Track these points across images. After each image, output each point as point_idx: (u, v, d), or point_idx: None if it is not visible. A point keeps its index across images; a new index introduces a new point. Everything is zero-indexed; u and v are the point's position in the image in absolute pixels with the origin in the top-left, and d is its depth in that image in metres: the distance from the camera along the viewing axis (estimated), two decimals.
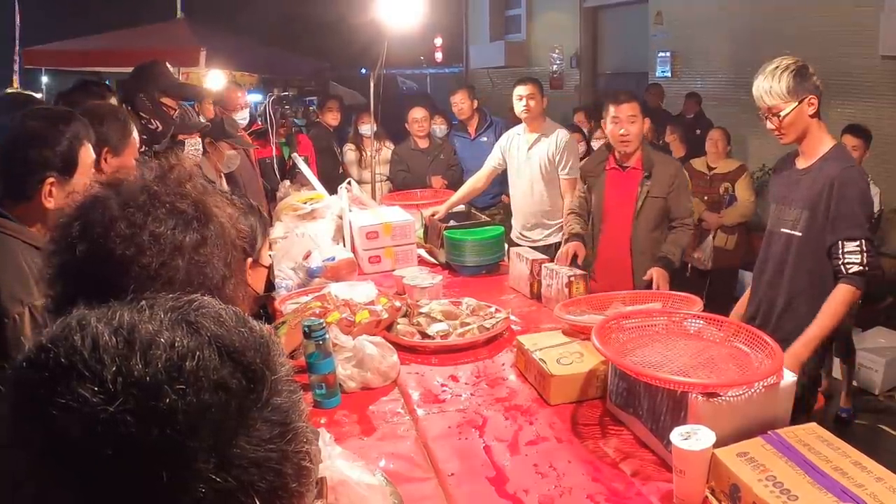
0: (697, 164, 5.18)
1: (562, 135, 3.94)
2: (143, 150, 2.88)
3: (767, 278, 2.50)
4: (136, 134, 2.30)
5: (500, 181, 5.31)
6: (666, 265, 3.03)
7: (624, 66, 9.62)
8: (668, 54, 8.29)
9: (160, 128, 2.91)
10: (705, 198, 5.08)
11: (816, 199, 2.31)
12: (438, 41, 12.06)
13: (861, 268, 2.24)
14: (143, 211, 0.97)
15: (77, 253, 0.95)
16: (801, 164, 2.45)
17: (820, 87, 2.30)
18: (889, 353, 4.25)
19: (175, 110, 2.98)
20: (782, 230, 2.44)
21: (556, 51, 10.08)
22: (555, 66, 10.14)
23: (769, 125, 2.34)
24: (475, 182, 4.19)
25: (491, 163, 4.22)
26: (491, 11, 11.58)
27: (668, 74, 8.26)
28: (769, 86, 2.27)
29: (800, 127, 2.31)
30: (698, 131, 6.12)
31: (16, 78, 8.18)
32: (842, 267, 2.26)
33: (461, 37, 12.57)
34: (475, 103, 5.34)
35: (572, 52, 10.07)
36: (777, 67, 2.27)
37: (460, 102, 5.23)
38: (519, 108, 3.93)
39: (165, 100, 2.93)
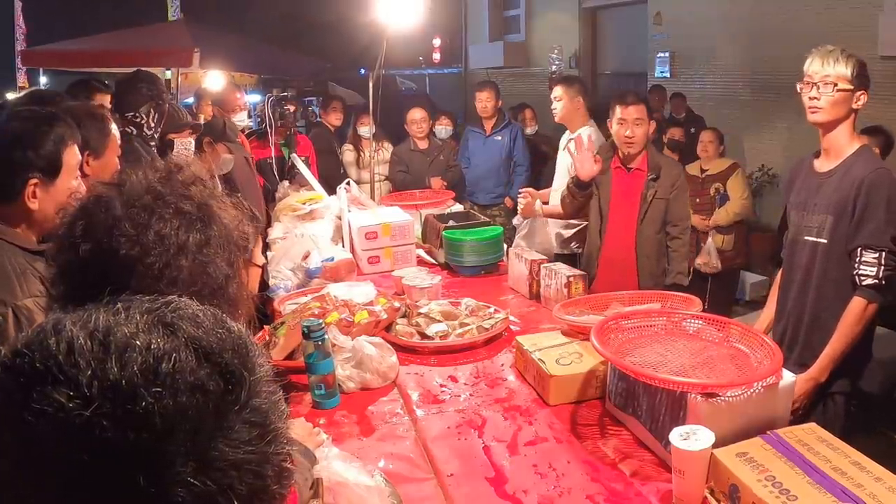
0: (691, 168, 5.11)
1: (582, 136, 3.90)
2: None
3: (794, 292, 2.37)
4: (115, 131, 2.27)
5: (506, 182, 5.33)
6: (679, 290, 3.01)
7: (623, 66, 9.63)
8: (667, 55, 8.29)
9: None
10: (697, 201, 5.02)
11: (843, 203, 2.18)
12: (437, 42, 12.06)
13: (875, 281, 2.14)
14: (148, 211, 0.97)
15: (80, 252, 0.94)
16: (822, 166, 2.31)
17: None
18: (888, 353, 4.25)
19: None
20: (806, 238, 2.31)
21: (556, 51, 10.07)
22: (554, 67, 10.13)
23: (812, 93, 2.18)
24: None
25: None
26: (490, 12, 11.59)
27: (668, 75, 8.26)
28: (836, 58, 2.14)
29: (839, 111, 2.17)
30: (692, 130, 6.10)
31: (22, 77, 8.20)
32: (856, 277, 2.17)
33: (460, 37, 12.57)
34: (500, 102, 5.40)
35: (571, 52, 10.07)
36: (844, 52, 2.16)
37: (486, 100, 5.26)
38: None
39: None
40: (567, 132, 4.07)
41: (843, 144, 2.24)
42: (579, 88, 3.94)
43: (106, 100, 3.02)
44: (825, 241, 2.25)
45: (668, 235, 3.17)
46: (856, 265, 2.18)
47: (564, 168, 3.96)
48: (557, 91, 3.90)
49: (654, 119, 3.23)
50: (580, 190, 3.25)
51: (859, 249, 2.17)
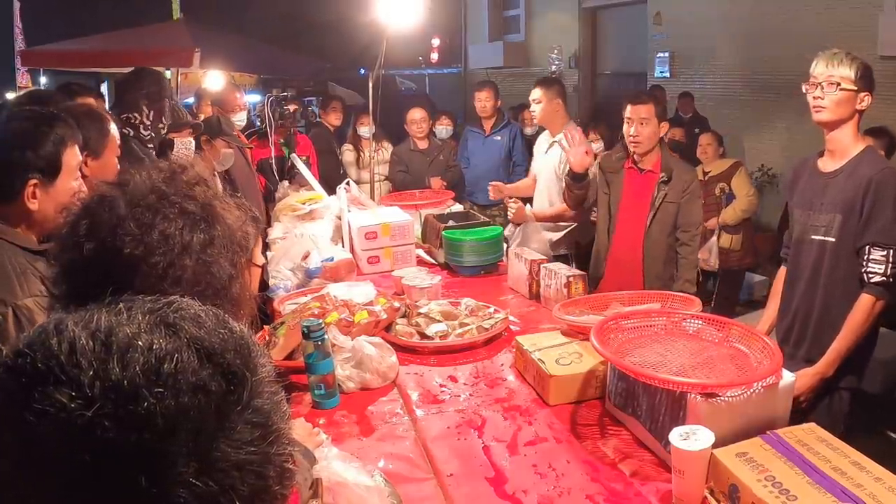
0: None
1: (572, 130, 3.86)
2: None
3: (800, 289, 2.41)
4: (115, 131, 2.27)
5: (506, 182, 5.33)
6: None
7: (623, 66, 9.63)
8: (666, 55, 8.29)
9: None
10: (702, 202, 5.03)
11: (851, 202, 2.24)
12: (435, 42, 12.06)
13: (883, 278, 2.20)
14: (152, 210, 0.97)
15: (84, 251, 0.95)
16: (827, 166, 2.36)
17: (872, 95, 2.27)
18: (888, 353, 4.24)
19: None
20: (813, 237, 2.36)
21: (555, 51, 10.08)
22: (554, 67, 10.13)
23: (817, 93, 2.24)
24: (521, 186, 4.25)
25: (532, 171, 4.25)
26: (490, 12, 11.59)
27: (667, 75, 8.27)
28: (840, 60, 2.22)
29: (843, 112, 2.24)
30: (697, 130, 6.11)
31: (22, 77, 8.20)
32: (864, 274, 2.22)
33: (460, 37, 12.57)
34: (499, 102, 5.40)
35: (571, 52, 10.07)
36: (849, 55, 2.23)
37: (485, 100, 5.26)
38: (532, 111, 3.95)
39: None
40: (545, 134, 4.05)
41: (848, 145, 2.30)
42: (558, 90, 3.91)
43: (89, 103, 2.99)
44: (833, 239, 2.30)
45: (677, 241, 3.13)
46: (864, 263, 2.22)
47: (551, 168, 3.91)
48: (536, 93, 3.87)
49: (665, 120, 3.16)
50: (576, 182, 3.26)
51: (867, 247, 2.22)
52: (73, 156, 1.78)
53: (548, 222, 3.89)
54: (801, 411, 2.21)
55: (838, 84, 2.21)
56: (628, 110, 3.10)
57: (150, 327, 0.54)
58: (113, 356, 0.51)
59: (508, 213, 3.78)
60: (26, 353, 0.52)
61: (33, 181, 1.69)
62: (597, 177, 3.36)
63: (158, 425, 0.49)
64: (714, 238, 5.02)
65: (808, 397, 2.29)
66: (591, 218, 4.84)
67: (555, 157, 3.88)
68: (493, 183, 4.07)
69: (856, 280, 2.26)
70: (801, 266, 2.42)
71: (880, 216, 2.20)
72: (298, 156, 4.63)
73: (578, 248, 3.95)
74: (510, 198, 3.91)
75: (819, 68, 2.25)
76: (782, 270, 2.58)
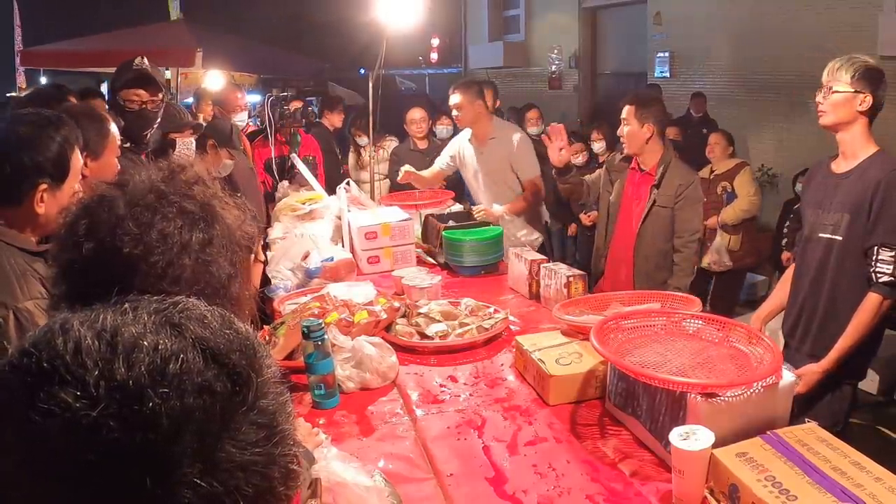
0: (702, 171, 5.13)
1: (516, 137, 3.88)
2: (129, 145, 2.82)
3: (807, 286, 2.47)
4: (115, 130, 2.25)
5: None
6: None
7: (623, 66, 9.63)
8: (666, 54, 8.30)
9: (121, 123, 2.72)
10: (705, 200, 5.03)
11: (859, 202, 2.30)
12: (434, 42, 12.06)
13: (891, 278, 2.23)
14: (151, 210, 0.97)
15: (83, 251, 0.95)
16: (839, 167, 2.42)
17: (884, 97, 2.31)
18: (887, 353, 4.25)
19: (139, 103, 2.79)
20: (821, 235, 2.42)
21: (555, 51, 10.09)
22: (554, 67, 10.15)
23: (819, 98, 2.35)
24: (426, 177, 4.25)
25: (439, 164, 4.25)
26: (490, 11, 11.60)
27: (667, 75, 8.27)
28: (839, 65, 2.30)
29: (841, 113, 2.31)
30: (704, 131, 6.10)
31: (20, 77, 8.19)
32: (872, 274, 2.26)
33: (460, 37, 12.58)
34: (498, 103, 5.41)
35: (571, 52, 10.08)
36: (851, 59, 2.31)
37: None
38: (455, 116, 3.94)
39: (124, 93, 2.79)
40: (466, 135, 4.04)
41: (858, 147, 2.36)
42: (477, 91, 3.89)
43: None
44: (840, 238, 2.36)
45: (673, 248, 3.14)
46: (872, 263, 2.27)
47: (497, 161, 3.91)
48: (455, 98, 3.84)
49: (652, 123, 3.11)
50: (562, 176, 3.32)
51: (876, 248, 2.26)
52: (77, 158, 1.77)
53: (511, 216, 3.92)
54: (802, 404, 2.26)
55: (831, 88, 2.30)
56: None
57: (156, 327, 0.54)
58: (118, 356, 0.51)
59: (476, 216, 3.76)
60: (31, 352, 0.52)
61: (43, 186, 1.68)
62: (601, 176, 3.40)
63: (163, 426, 0.49)
64: (719, 238, 5.00)
65: (811, 393, 2.34)
66: (590, 216, 4.84)
67: (501, 150, 3.90)
68: (405, 172, 4.11)
69: (861, 278, 2.31)
70: (808, 263, 2.48)
71: (888, 217, 2.24)
72: (304, 156, 4.63)
73: (549, 232, 3.99)
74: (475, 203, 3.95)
75: (823, 76, 2.35)
76: (794, 265, 2.64)
